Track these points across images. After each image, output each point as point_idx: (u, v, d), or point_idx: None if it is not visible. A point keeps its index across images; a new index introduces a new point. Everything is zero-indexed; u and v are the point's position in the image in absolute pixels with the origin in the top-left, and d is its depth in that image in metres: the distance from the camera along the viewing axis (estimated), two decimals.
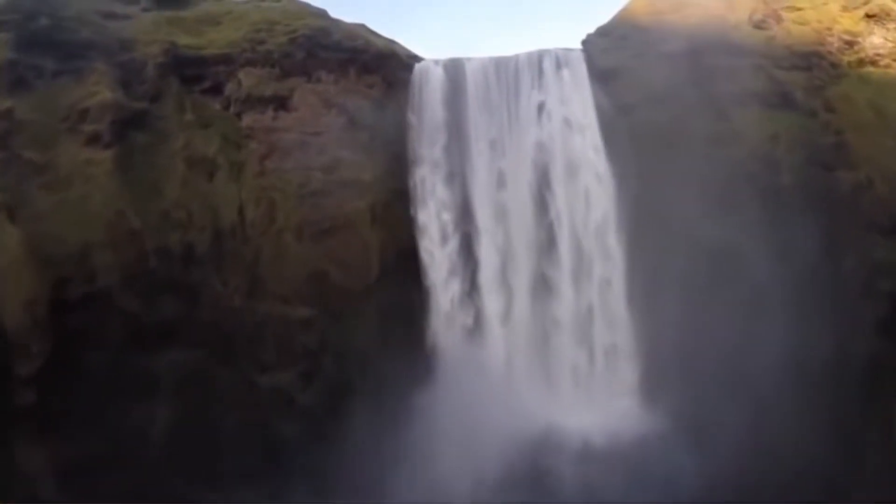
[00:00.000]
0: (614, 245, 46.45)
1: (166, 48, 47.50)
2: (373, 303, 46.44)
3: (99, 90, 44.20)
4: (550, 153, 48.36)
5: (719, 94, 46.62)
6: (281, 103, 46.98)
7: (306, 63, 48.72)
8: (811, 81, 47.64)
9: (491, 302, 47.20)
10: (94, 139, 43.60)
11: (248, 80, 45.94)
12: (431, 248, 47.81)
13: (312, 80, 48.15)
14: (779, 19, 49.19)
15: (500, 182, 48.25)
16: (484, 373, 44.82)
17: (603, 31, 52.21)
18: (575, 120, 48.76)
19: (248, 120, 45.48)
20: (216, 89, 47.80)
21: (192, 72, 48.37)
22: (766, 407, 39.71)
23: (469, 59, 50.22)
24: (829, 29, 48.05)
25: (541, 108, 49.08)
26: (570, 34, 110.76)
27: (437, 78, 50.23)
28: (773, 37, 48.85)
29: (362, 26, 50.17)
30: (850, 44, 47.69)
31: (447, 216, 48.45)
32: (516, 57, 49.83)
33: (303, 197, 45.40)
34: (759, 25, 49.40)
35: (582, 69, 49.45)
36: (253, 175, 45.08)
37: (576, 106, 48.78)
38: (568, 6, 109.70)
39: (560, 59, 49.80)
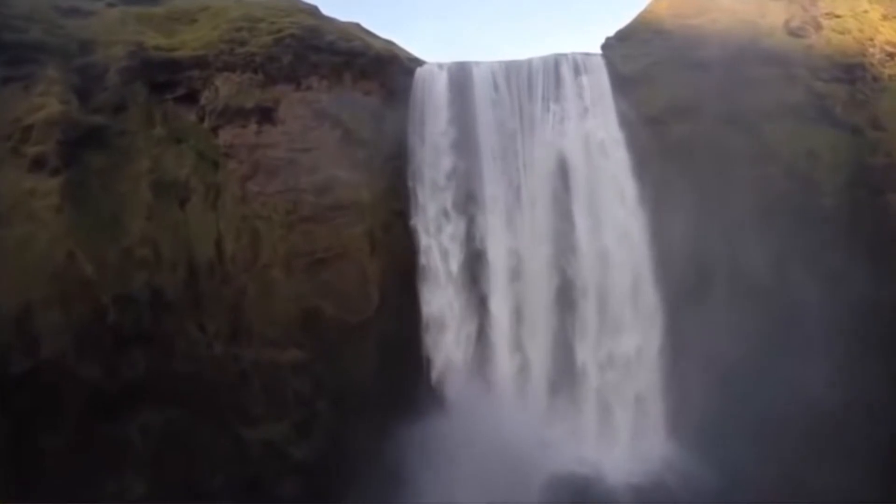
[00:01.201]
0: (645, 276, 36.53)
1: (132, 50, 35.81)
2: (371, 337, 36.04)
3: (46, 102, 32.59)
4: (570, 171, 37.69)
5: (750, 107, 37.29)
6: (265, 115, 36.12)
7: (295, 68, 37.26)
8: (854, 95, 37.69)
9: (502, 339, 36.91)
10: (38, 163, 32.06)
11: (226, 87, 33.23)
12: (435, 278, 37.22)
13: (302, 88, 37.13)
14: (818, 27, 38.94)
15: (514, 204, 37.58)
16: (494, 408, 35.13)
17: (623, 35, 40.84)
18: (598, 133, 38.15)
19: (226, 135, 32.84)
20: (190, 98, 36.71)
21: (163, 77, 36.64)
22: (808, 453, 32.10)
23: (477, 64, 38.94)
24: (871, 39, 38.11)
25: (559, 120, 38.20)
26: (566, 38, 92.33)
27: (441, 84, 38.81)
28: (812, 45, 38.59)
29: (356, 25, 37.16)
30: (892, 55, 37.76)
31: (453, 242, 37.54)
32: (529, 62, 38.72)
33: (292, 225, 33.54)
34: (795, 33, 39.12)
35: (603, 76, 38.55)
36: (233, 201, 33.34)
37: (598, 118, 38.07)
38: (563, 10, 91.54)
39: (579, 65, 38.78)
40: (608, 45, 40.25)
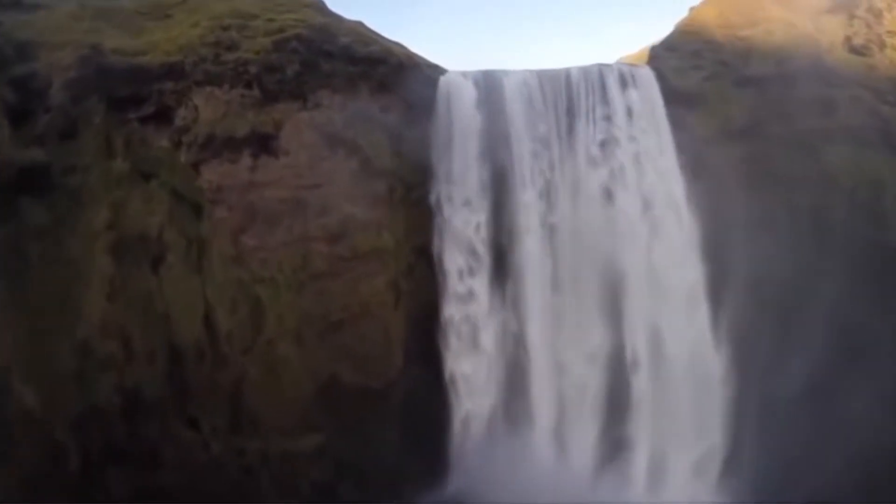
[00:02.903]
0: (702, 319, 26.18)
1: (85, 54, 22.02)
2: (395, 402, 25.00)
3: None
4: (620, 200, 26.25)
5: (810, 129, 27.88)
6: (263, 144, 23.41)
7: (301, 80, 24.18)
8: None
9: (541, 405, 25.57)
10: None
11: (209, 108, 19.64)
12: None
13: (309, 107, 24.30)
14: (881, 45, 29.34)
15: (553, 235, 25.83)
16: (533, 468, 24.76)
17: (670, 45, 29.89)
18: (651, 154, 26.85)
19: (211, 173, 19.45)
20: (161, 118, 23.30)
21: (125, 91, 22.82)
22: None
23: (506, 73, 26.81)
24: None
25: (606, 138, 26.49)
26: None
27: (468, 96, 26.21)
28: (875, 66, 29.11)
29: (361, 25, 22.81)
30: None
31: (485, 287, 25.62)
32: (566, 72, 26.97)
33: (301, 285, 22.18)
34: (858, 51, 29.36)
35: (654, 91, 27.42)
36: (224, 261, 21.14)
37: (650, 137, 26.91)
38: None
39: (626, 77, 27.32)
40: (656, 56, 29.48)
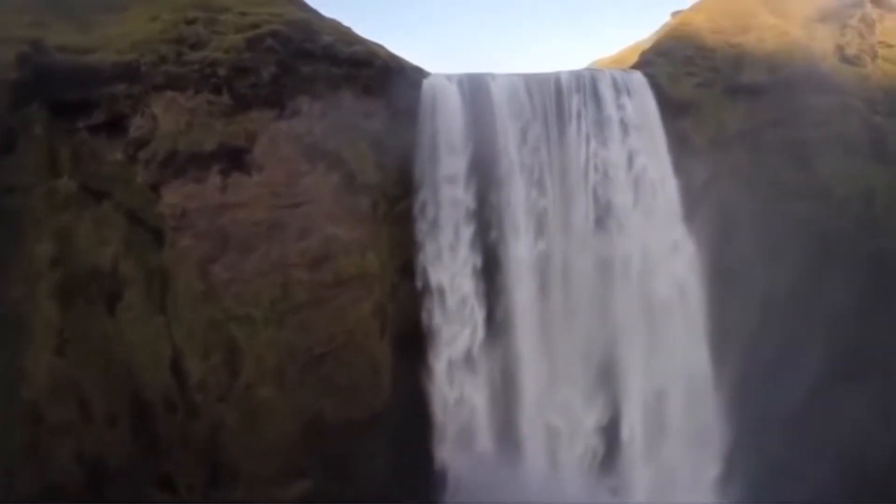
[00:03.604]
0: (698, 335, 25.38)
1: (25, 52, 18.60)
2: (382, 433, 22.75)
3: None
4: (615, 209, 24.93)
5: (804, 138, 27.45)
6: (233, 159, 18.20)
7: (278, 84, 21.05)
8: None
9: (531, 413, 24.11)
10: None
11: (170, 117, 16.13)
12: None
13: (287, 115, 21.27)
14: (874, 55, 29.18)
15: (545, 259, 24.22)
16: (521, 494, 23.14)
17: (661, 50, 28.74)
18: (646, 164, 25.63)
19: (174, 195, 16.13)
20: (114, 127, 19.84)
21: (73, 95, 19.34)
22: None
23: (493, 76, 24.72)
24: None
25: (600, 147, 25.10)
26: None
27: (454, 101, 24.10)
28: (867, 76, 29.03)
29: (339, 22, 20.24)
30: None
31: (472, 304, 23.64)
32: (556, 76, 25.31)
33: (282, 319, 19.30)
34: (850, 61, 29.04)
35: (648, 98, 26.18)
36: (192, 297, 17.94)
37: (645, 145, 25.66)
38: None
39: (619, 83, 25.97)
40: (648, 62, 28.11)
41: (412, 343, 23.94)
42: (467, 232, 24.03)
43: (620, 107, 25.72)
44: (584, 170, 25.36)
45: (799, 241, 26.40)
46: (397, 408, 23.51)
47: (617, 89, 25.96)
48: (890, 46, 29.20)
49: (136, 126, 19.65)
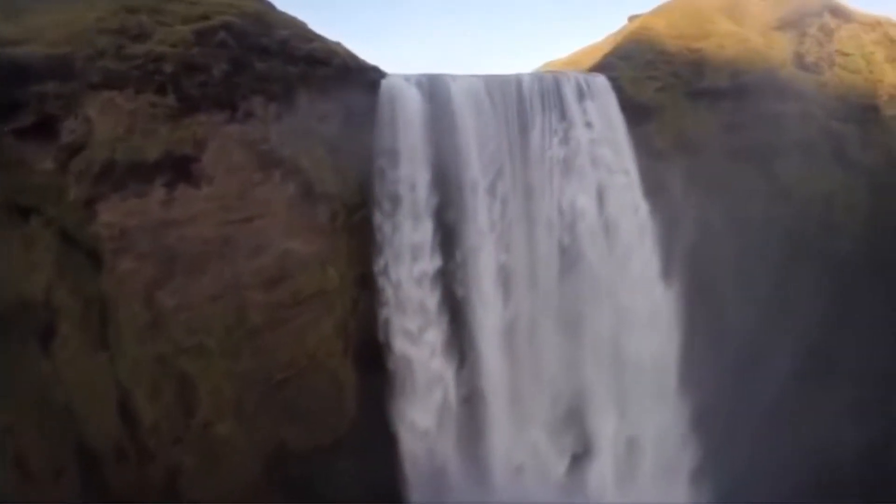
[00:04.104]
0: (665, 344, 25.20)
1: None
2: (347, 456, 21.42)
3: None
4: (580, 218, 24.41)
5: (763, 143, 28.34)
6: (180, 170, 17.41)
7: (231, 83, 18.90)
8: (869, 137, 29.75)
9: (499, 439, 23.41)
10: None
11: (108, 120, 13.69)
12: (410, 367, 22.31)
13: (239, 118, 19.13)
14: (831, 63, 30.27)
15: (509, 254, 23.34)
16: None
17: (623, 54, 28.59)
18: (611, 169, 25.25)
19: (112, 212, 14.02)
20: (44, 131, 16.85)
21: None
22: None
23: (454, 77, 23.25)
24: (881, 80, 30.19)
25: (565, 151, 24.41)
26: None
27: (414, 103, 22.52)
28: (825, 83, 30.06)
29: (293, 17, 18.10)
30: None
31: (434, 317, 22.51)
32: (517, 79, 24.32)
33: (237, 347, 16.23)
34: (809, 68, 29.90)
35: (611, 102, 25.74)
36: (136, 328, 15.49)
37: (609, 150, 25.13)
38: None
39: (582, 87, 25.22)
40: (610, 65, 27.83)
41: (374, 357, 22.59)
42: (429, 239, 22.81)
43: (584, 110, 25.02)
44: (548, 172, 24.47)
45: (765, 243, 27.23)
46: (362, 429, 22.18)
47: (581, 93, 25.22)
48: (846, 55, 30.27)
49: (69, 130, 16.98)
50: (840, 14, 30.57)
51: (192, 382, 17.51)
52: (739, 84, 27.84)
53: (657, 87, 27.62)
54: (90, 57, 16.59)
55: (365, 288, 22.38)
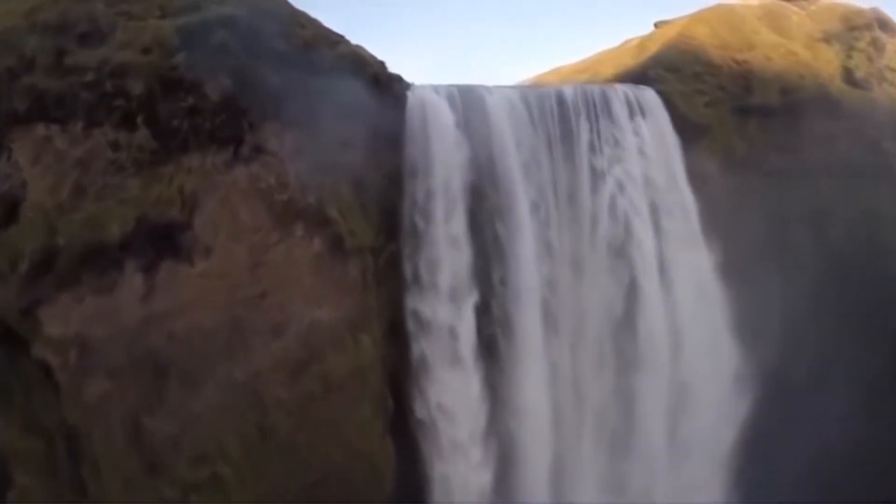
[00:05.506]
0: (725, 361, 22.00)
1: None
2: None
3: None
4: (635, 247, 21.05)
5: (809, 162, 25.51)
6: (162, 244, 9.27)
7: (233, 105, 12.33)
8: None
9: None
10: None
11: (42, 172, 7.76)
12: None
13: (245, 156, 12.10)
14: (881, 79, 27.83)
15: (554, 290, 19.30)
16: None
17: (668, 65, 24.72)
18: (665, 189, 22.00)
19: (59, 320, 7.52)
20: None
21: None
22: None
23: (490, 90, 18.87)
24: None
25: (616, 173, 21.04)
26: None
27: (446, 120, 17.61)
28: (875, 100, 27.57)
29: (308, 15, 12.18)
30: None
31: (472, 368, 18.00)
32: (559, 92, 20.46)
33: (261, 462, 10.43)
34: (858, 84, 27.34)
35: (664, 120, 22.32)
36: (124, 473, 9.90)
37: (662, 170, 21.97)
38: None
39: (632, 102, 21.69)
40: (657, 78, 23.99)
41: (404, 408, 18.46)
42: (466, 277, 17.95)
43: (636, 131, 21.65)
44: (601, 205, 20.89)
45: (806, 266, 24.88)
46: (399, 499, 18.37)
47: (631, 108, 21.79)
48: (894, 70, 28.04)
49: None
50: (888, 28, 28.57)
51: None
52: (790, 101, 25.49)
53: (705, 101, 24.59)
54: (13, 70, 10.08)
55: (394, 339, 17.73)
